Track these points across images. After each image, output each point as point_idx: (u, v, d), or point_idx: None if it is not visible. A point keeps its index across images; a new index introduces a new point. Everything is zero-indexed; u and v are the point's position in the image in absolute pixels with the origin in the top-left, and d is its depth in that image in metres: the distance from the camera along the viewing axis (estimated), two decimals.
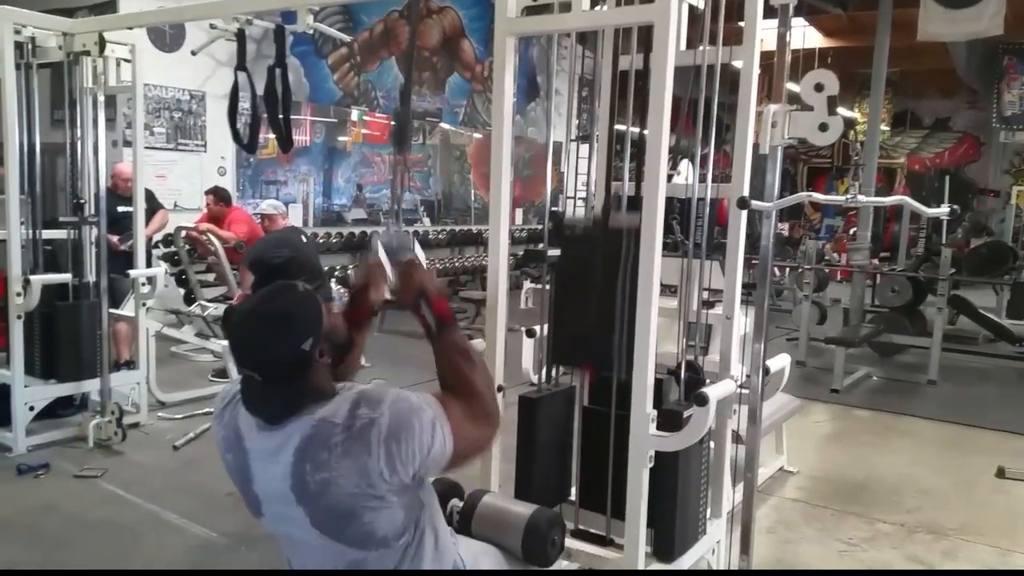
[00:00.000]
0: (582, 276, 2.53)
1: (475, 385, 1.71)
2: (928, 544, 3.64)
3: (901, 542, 3.66)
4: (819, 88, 2.48)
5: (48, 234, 4.58)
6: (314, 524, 1.56)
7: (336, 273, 8.30)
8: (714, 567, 2.80)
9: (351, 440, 1.50)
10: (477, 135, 12.06)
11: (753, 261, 2.81)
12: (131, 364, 5.09)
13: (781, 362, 2.75)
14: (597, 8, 2.55)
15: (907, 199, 2.71)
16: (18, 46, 4.18)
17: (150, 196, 5.60)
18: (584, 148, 3.10)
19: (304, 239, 5.94)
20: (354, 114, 10.13)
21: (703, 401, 2.26)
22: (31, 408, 4.34)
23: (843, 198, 2.68)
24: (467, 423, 1.63)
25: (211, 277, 6.79)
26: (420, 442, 1.52)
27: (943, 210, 2.70)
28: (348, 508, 1.52)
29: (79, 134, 4.43)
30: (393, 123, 10.21)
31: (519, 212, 12.43)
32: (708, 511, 2.71)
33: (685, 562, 2.59)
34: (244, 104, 3.77)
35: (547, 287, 2.82)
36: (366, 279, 1.88)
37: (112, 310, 4.74)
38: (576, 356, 2.63)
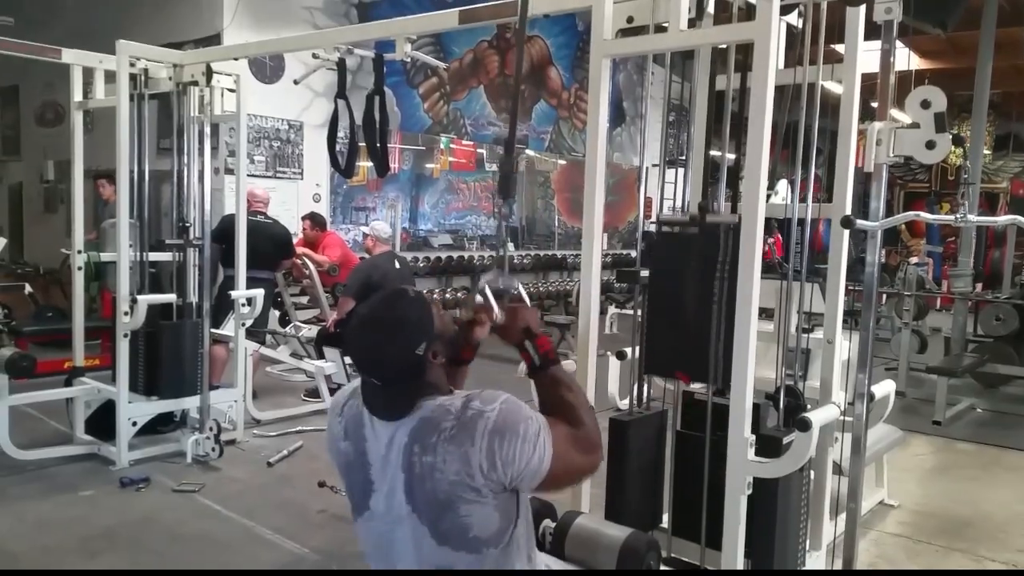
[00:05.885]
0: (677, 278, 2.45)
1: (580, 416, 1.71)
2: None
3: None
4: (925, 105, 2.41)
5: (154, 256, 4.76)
6: (414, 510, 1.58)
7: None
8: None
9: (459, 427, 1.54)
10: (561, 161, 12.11)
11: (850, 287, 2.73)
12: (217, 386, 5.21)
13: (885, 389, 2.66)
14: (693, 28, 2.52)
15: (1020, 218, 2.60)
16: (131, 78, 4.41)
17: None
18: (671, 173, 3.07)
19: (397, 264, 6.00)
20: (442, 141, 10.33)
21: (806, 426, 2.19)
22: (134, 423, 4.50)
23: (952, 217, 2.58)
24: (570, 447, 1.63)
25: (305, 299, 6.98)
26: (522, 447, 1.54)
27: None
28: (447, 496, 1.55)
29: (185, 161, 4.64)
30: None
31: (604, 237, 12.38)
32: (807, 543, 2.62)
33: None
34: (340, 134, 3.87)
35: (638, 311, 2.79)
36: (473, 317, 1.90)
37: (213, 330, 4.90)
38: (670, 364, 2.56)
